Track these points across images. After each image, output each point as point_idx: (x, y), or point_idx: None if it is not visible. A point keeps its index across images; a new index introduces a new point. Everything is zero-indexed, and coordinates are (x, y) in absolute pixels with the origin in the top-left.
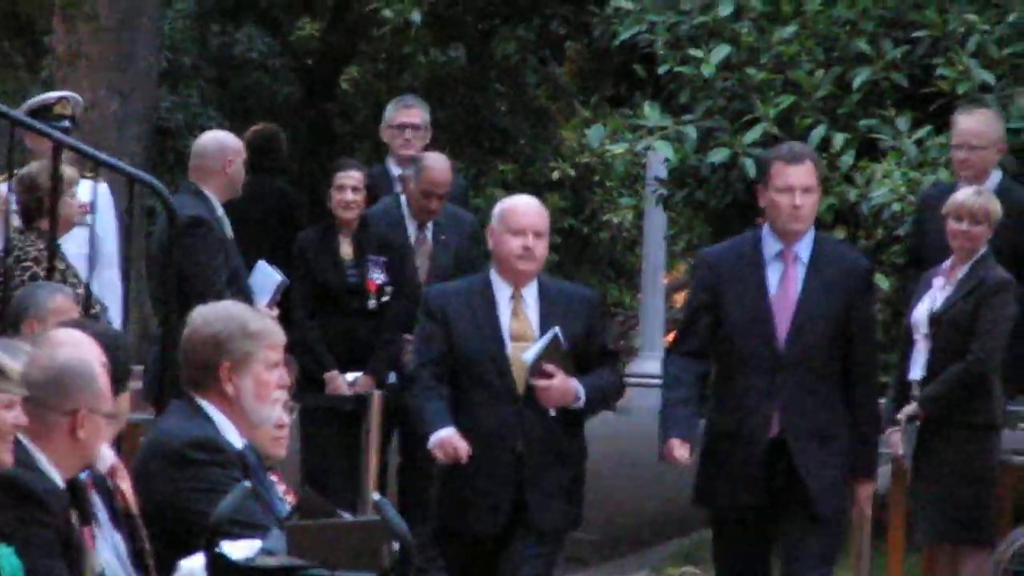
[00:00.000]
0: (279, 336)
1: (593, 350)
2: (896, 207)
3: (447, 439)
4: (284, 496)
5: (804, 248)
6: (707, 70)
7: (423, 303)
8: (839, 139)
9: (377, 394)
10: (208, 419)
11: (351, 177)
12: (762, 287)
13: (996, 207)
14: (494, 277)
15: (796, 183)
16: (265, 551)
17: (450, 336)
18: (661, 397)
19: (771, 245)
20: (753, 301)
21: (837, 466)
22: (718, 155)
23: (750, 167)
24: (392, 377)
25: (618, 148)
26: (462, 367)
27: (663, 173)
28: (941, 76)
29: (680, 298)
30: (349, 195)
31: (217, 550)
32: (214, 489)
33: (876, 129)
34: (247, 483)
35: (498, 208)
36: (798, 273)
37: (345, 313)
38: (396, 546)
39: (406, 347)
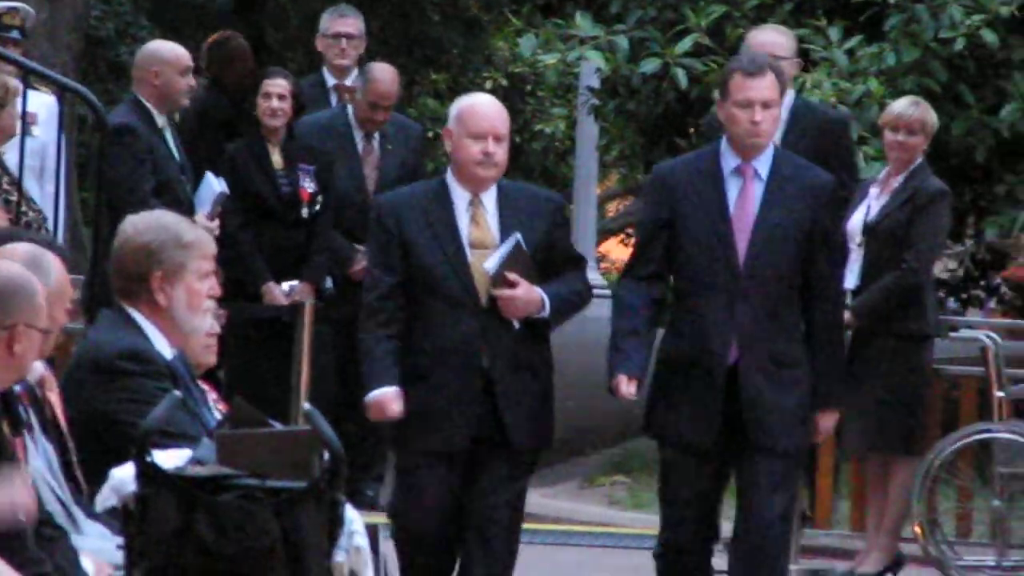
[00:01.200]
0: (211, 246)
1: (556, 256)
2: None
3: (383, 400)
4: (215, 406)
5: (763, 164)
6: None
7: (374, 211)
8: None
9: (309, 303)
10: (138, 329)
11: (277, 85)
12: (721, 204)
13: (932, 118)
14: (451, 182)
15: (756, 97)
16: (195, 460)
17: (405, 246)
18: (611, 324)
19: (729, 160)
20: (712, 219)
21: (797, 395)
22: (649, 65)
23: (682, 77)
24: (329, 283)
25: (550, 58)
26: (420, 278)
27: (595, 83)
28: None
29: (613, 208)
30: (275, 103)
31: (147, 459)
32: (144, 399)
33: (807, 39)
34: (177, 393)
35: (456, 109)
36: (756, 190)
37: (279, 223)
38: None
39: (357, 257)
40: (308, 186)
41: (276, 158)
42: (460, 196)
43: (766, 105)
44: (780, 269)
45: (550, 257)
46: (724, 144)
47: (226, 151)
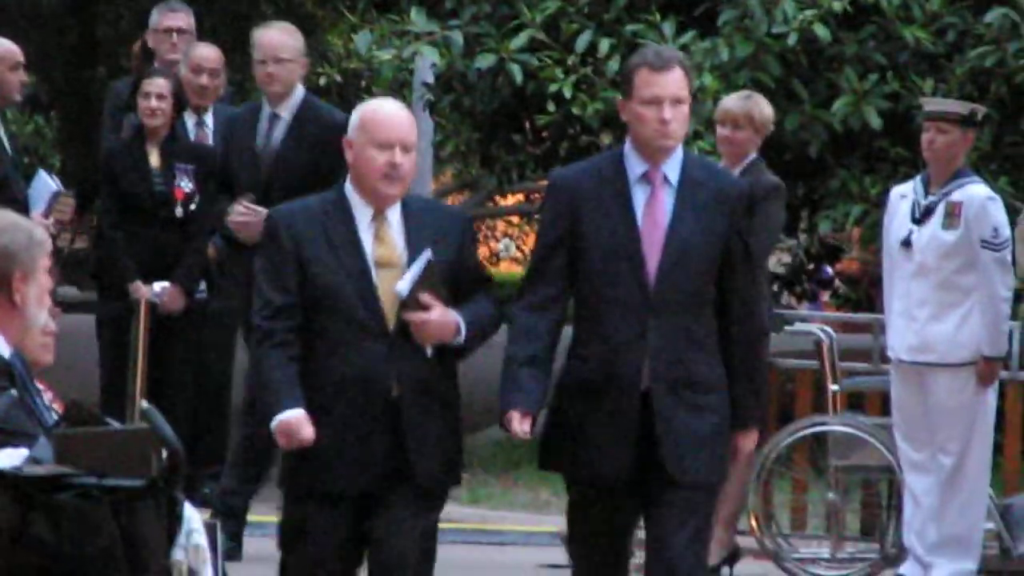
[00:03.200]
0: (50, 243)
1: (466, 276)
2: None
3: (291, 423)
4: (51, 405)
5: (672, 168)
6: None
7: (267, 225)
8: (605, 44)
9: (144, 301)
10: None
11: (156, 85)
12: (628, 214)
13: (760, 112)
14: (350, 195)
15: (664, 93)
16: (32, 459)
17: (302, 263)
18: (506, 350)
19: (635, 165)
20: (618, 231)
21: (713, 422)
22: (485, 60)
23: (517, 73)
24: (202, 287)
25: (385, 54)
26: (319, 299)
27: (430, 78)
28: None
29: (451, 202)
30: (154, 102)
31: None
32: None
33: (641, 34)
34: (13, 391)
35: (358, 116)
36: (666, 198)
37: (152, 223)
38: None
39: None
40: (184, 186)
41: (154, 157)
42: (362, 211)
43: (676, 101)
44: (695, 284)
45: (459, 277)
46: (628, 147)
47: (103, 149)
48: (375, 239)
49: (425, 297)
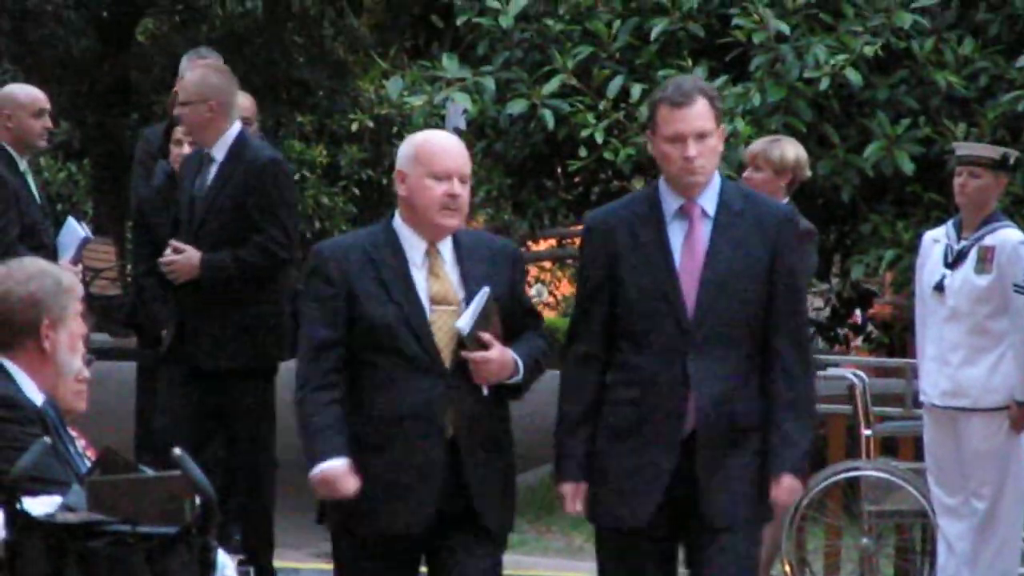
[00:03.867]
0: (81, 288)
1: (518, 310)
2: None
3: (333, 474)
4: (84, 452)
5: (709, 200)
6: (505, 21)
7: (314, 259)
8: (637, 89)
9: None
10: (8, 377)
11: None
12: (665, 251)
13: (785, 154)
14: (400, 228)
15: (687, 130)
16: (66, 507)
17: (352, 300)
18: (560, 409)
19: (671, 200)
20: (655, 269)
21: (749, 464)
22: (516, 106)
23: (549, 118)
24: None
25: (417, 100)
26: (370, 338)
27: (462, 124)
28: (737, 26)
29: None
30: (186, 149)
31: (17, 506)
32: (12, 446)
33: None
34: (47, 439)
35: (411, 148)
36: (704, 230)
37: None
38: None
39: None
40: None
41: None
42: (414, 245)
43: (700, 136)
44: (737, 319)
45: (512, 312)
46: (663, 182)
47: (135, 196)
48: (429, 274)
49: (484, 335)
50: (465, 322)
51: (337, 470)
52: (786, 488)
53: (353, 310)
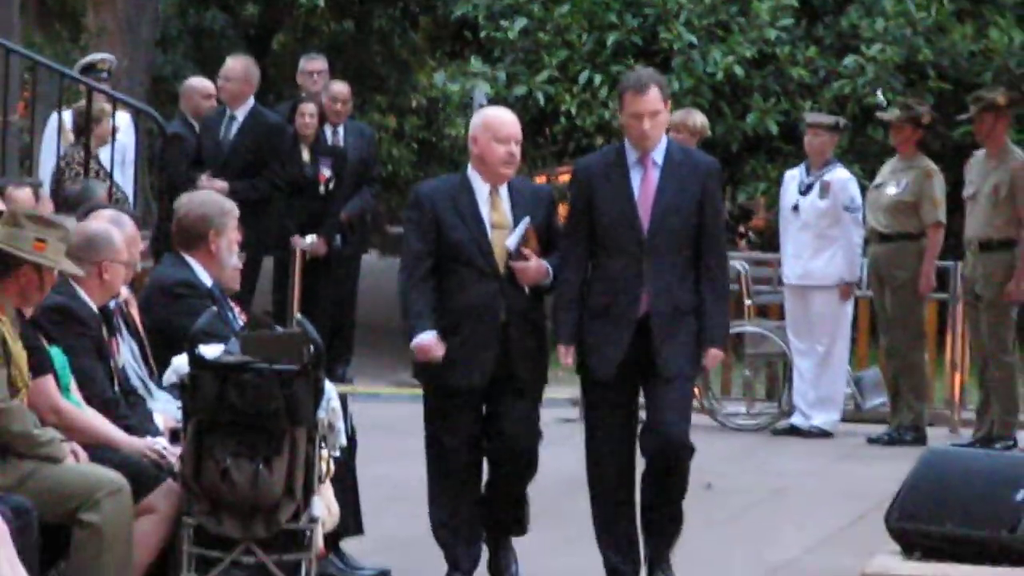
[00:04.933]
0: (237, 211)
1: (552, 234)
2: None
3: (427, 344)
4: (239, 317)
5: (659, 155)
6: (511, 34)
7: (413, 197)
8: (598, 78)
9: (299, 248)
10: (189, 267)
11: (307, 107)
12: (627, 188)
13: (692, 121)
14: (472, 176)
15: (644, 110)
16: (227, 352)
17: (439, 225)
18: (554, 293)
19: (631, 154)
20: (620, 200)
21: (688, 335)
22: (519, 90)
23: (541, 97)
24: (338, 239)
25: (454, 86)
26: (450, 251)
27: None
28: (664, 38)
29: None
30: (307, 119)
31: (196, 352)
32: (192, 313)
33: (622, 72)
34: (214, 308)
35: (481, 119)
36: (655, 175)
37: (305, 196)
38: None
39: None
40: (325, 172)
41: (305, 154)
42: (481, 188)
43: (653, 114)
44: (677, 236)
45: (548, 235)
46: (627, 141)
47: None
48: (491, 208)
49: (526, 250)
50: (512, 241)
51: (430, 341)
52: (712, 356)
53: (439, 231)
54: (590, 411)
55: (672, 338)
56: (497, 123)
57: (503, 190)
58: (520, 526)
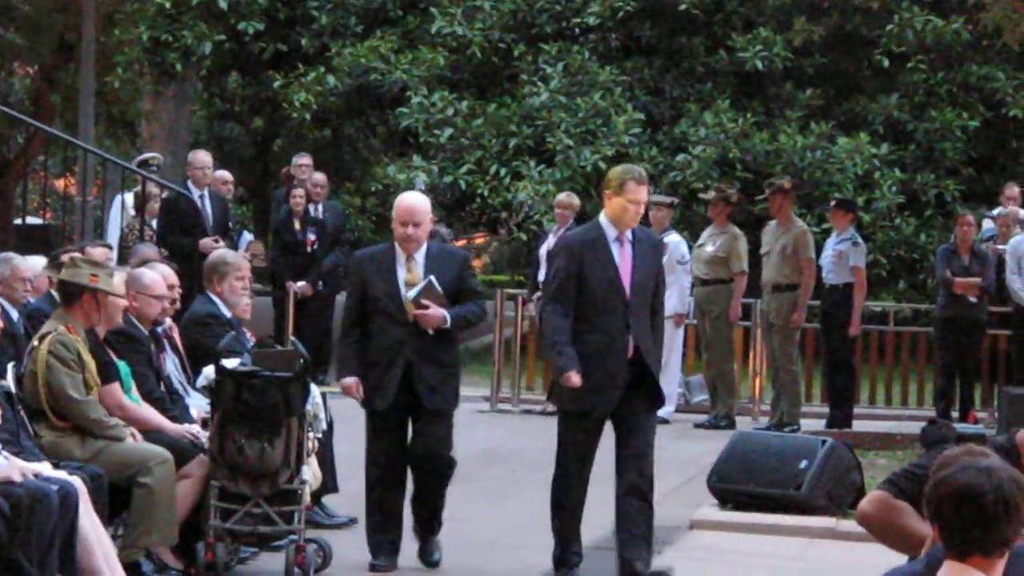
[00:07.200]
0: (243, 264)
1: (463, 290)
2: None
3: (350, 385)
4: (250, 339)
5: (629, 233)
6: (442, 139)
7: (351, 262)
8: (503, 171)
9: (291, 292)
10: (215, 303)
11: (297, 191)
12: (611, 259)
13: (571, 200)
14: (396, 245)
15: (640, 198)
16: (242, 364)
17: (364, 284)
18: (550, 337)
19: (611, 232)
20: (607, 269)
21: (655, 364)
22: (447, 178)
23: (462, 184)
24: (320, 285)
25: (401, 176)
26: (373, 304)
27: (423, 187)
28: (550, 142)
29: None
30: (298, 199)
31: (220, 363)
32: (217, 336)
33: (520, 167)
34: (233, 333)
35: (396, 204)
36: (629, 250)
37: (295, 254)
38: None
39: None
40: (310, 237)
41: (297, 224)
42: (400, 254)
43: (641, 203)
44: (646, 298)
45: (459, 291)
46: (605, 221)
47: (273, 223)
48: (406, 271)
49: (425, 301)
50: (411, 293)
51: (351, 383)
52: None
53: (364, 289)
54: (568, 439)
55: (644, 380)
56: (399, 209)
57: (419, 255)
58: (438, 525)
